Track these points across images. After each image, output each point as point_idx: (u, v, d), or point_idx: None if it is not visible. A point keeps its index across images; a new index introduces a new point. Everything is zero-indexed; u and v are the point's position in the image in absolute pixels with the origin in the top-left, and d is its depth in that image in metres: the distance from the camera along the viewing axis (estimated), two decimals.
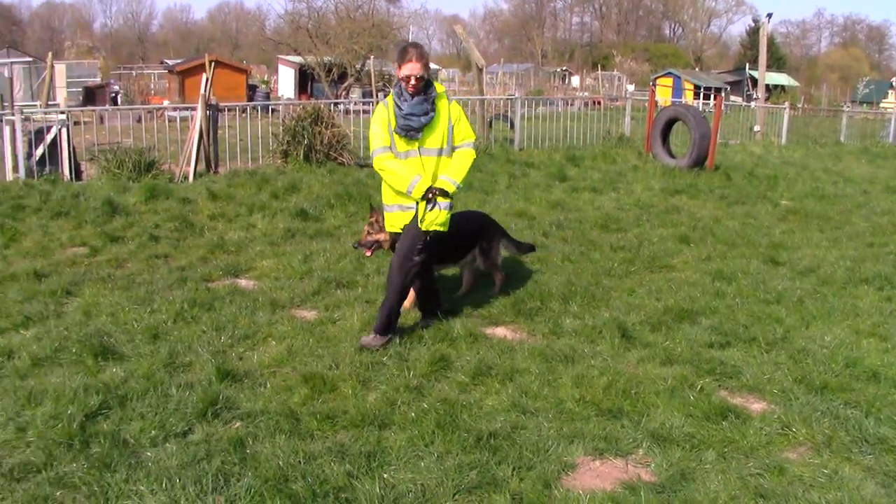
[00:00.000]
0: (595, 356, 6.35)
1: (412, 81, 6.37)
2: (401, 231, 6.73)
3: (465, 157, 6.69)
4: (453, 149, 6.69)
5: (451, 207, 6.67)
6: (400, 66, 6.42)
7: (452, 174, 6.61)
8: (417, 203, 6.54)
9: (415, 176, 6.46)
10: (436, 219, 6.53)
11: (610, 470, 4.79)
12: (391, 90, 6.72)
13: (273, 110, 19.73)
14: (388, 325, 6.63)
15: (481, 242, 7.84)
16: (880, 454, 4.93)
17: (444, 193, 6.53)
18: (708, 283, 8.41)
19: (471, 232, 7.81)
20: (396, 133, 6.49)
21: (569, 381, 5.84)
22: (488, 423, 5.19)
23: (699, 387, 5.78)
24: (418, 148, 6.54)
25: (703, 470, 4.72)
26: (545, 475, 4.59)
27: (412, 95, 6.43)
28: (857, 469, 4.78)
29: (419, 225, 6.54)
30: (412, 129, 6.45)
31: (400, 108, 6.46)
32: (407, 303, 7.22)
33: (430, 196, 6.49)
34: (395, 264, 6.68)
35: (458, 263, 7.92)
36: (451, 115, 6.66)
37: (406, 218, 6.66)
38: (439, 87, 6.69)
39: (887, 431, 5.15)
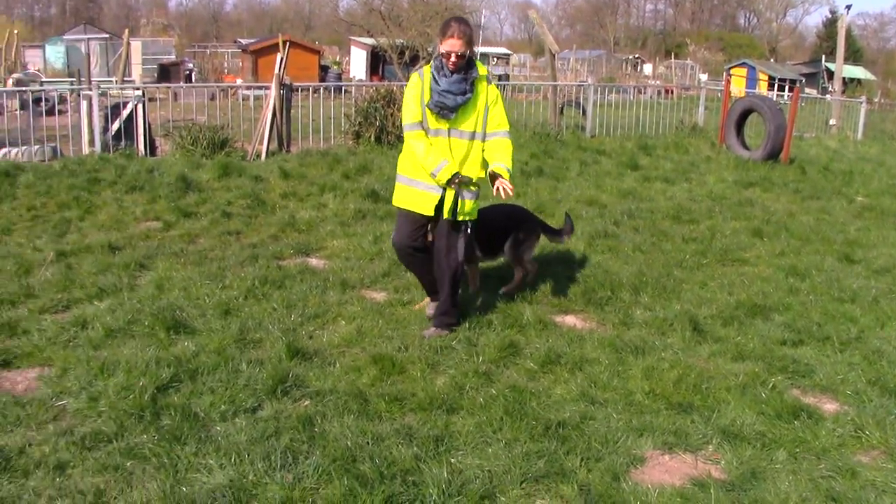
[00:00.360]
0: (665, 349, 6.27)
1: (452, 58, 6.08)
2: (406, 207, 6.47)
3: (508, 146, 6.37)
4: (485, 135, 6.39)
5: (477, 196, 6.48)
6: (441, 41, 6.13)
7: (504, 160, 6.27)
8: (444, 190, 6.29)
9: (441, 160, 6.17)
10: (462, 209, 6.34)
11: (679, 465, 4.72)
12: (426, 66, 6.41)
13: (345, 91, 19.82)
14: (449, 319, 6.58)
15: (516, 234, 7.47)
16: None
17: (469, 181, 6.27)
18: (781, 279, 8.26)
19: (503, 224, 7.48)
20: (428, 108, 6.20)
21: (639, 372, 5.77)
22: (557, 412, 5.15)
23: (771, 384, 5.68)
24: (448, 129, 6.26)
25: (774, 469, 4.63)
26: (614, 467, 4.54)
27: (451, 73, 6.15)
28: None
29: (451, 217, 6.32)
30: (446, 107, 6.15)
31: (437, 83, 6.16)
32: (471, 287, 7.32)
33: (457, 182, 6.20)
34: (441, 264, 6.51)
35: (489, 258, 7.65)
36: (488, 98, 6.33)
37: (420, 198, 6.36)
38: (482, 69, 6.39)
39: None
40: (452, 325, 6.54)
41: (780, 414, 5.25)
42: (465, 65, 6.17)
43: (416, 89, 6.23)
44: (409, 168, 6.42)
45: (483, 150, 6.42)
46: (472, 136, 6.32)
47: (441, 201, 6.32)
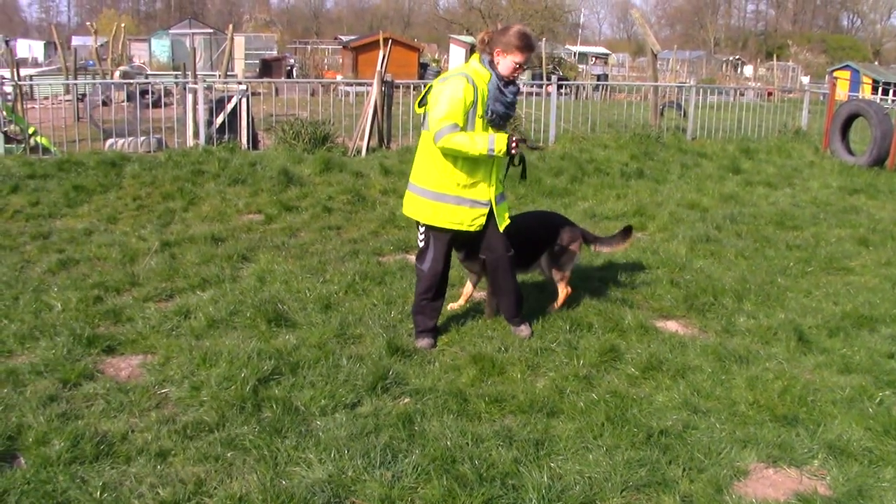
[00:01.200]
0: (770, 358, 6.11)
1: (521, 70, 6.01)
2: (445, 227, 6.10)
3: None
4: None
5: (504, 199, 6.36)
6: (518, 52, 5.88)
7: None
8: (491, 203, 6.09)
9: (488, 135, 5.85)
10: (504, 212, 6.28)
11: (784, 480, 4.61)
12: (470, 69, 6.00)
13: None
14: (521, 310, 6.52)
15: (553, 246, 6.97)
16: None
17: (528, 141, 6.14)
18: (888, 290, 8.00)
19: (538, 234, 7.00)
20: (483, 118, 5.90)
21: (742, 382, 5.65)
22: (659, 419, 5.07)
23: (878, 399, 5.49)
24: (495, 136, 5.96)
25: (881, 488, 4.47)
26: (717, 479, 4.45)
27: (509, 84, 6.01)
28: None
29: (498, 225, 6.19)
30: (509, 118, 6.11)
31: (504, 95, 5.95)
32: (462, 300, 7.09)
33: (516, 143, 5.94)
34: (505, 271, 6.35)
35: (526, 270, 7.17)
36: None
37: (456, 213, 6.06)
38: None
39: None
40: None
41: (887, 430, 5.06)
42: None
43: (469, 96, 5.82)
44: (448, 183, 6.03)
45: None
46: None
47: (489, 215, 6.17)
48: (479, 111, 5.88)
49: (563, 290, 7.00)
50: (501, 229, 6.21)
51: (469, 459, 4.45)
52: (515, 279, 6.46)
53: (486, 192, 6.08)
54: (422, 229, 6.28)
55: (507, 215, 6.30)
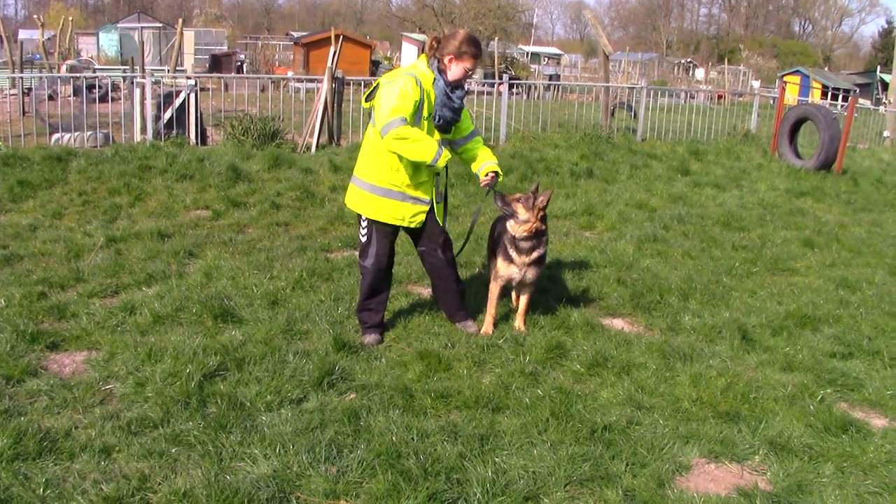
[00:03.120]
0: (713, 356, 6.19)
1: (469, 76, 6.03)
2: (388, 222, 6.11)
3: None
4: (457, 140, 6.41)
5: (443, 199, 6.38)
6: (469, 60, 5.89)
7: (494, 159, 6.34)
8: (433, 201, 6.15)
9: (438, 145, 5.78)
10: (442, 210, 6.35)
11: (725, 475, 4.67)
12: (417, 71, 5.91)
13: None
14: (464, 304, 6.63)
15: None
16: None
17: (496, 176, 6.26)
18: (831, 291, 8.14)
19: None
20: (429, 120, 5.88)
21: (686, 379, 5.71)
22: (603, 415, 5.11)
23: (820, 397, 5.59)
24: (442, 139, 6.10)
25: (821, 483, 4.55)
26: (659, 474, 4.50)
27: (456, 88, 6.02)
28: None
29: (440, 221, 6.28)
30: (455, 122, 6.17)
31: (451, 100, 5.99)
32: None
33: (492, 184, 6.22)
34: (447, 267, 6.41)
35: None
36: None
37: (399, 209, 6.08)
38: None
39: None
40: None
41: (828, 427, 5.17)
42: None
43: (416, 96, 5.75)
44: (391, 178, 6.01)
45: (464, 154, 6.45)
46: (447, 144, 6.25)
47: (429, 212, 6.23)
48: (425, 112, 5.85)
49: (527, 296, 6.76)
50: (441, 223, 6.30)
51: (414, 454, 4.45)
52: (456, 274, 6.51)
53: (428, 191, 6.11)
54: (364, 224, 6.26)
55: (443, 213, 6.39)
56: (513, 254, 6.37)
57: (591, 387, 5.59)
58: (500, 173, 6.29)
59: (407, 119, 5.70)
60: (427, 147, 5.72)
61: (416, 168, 5.97)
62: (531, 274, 6.43)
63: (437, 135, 6.02)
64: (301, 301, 6.87)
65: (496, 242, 6.62)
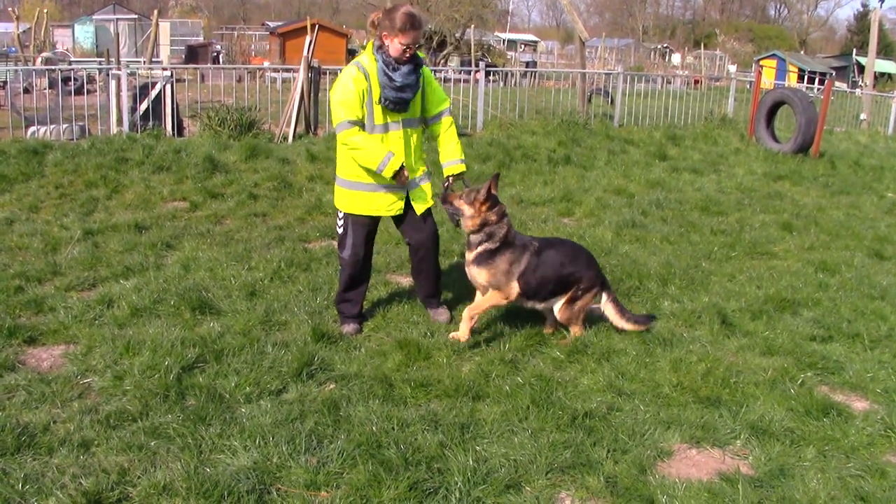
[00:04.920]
0: (693, 341, 6.20)
1: (408, 52, 5.74)
2: (362, 213, 6.11)
3: (453, 130, 6.24)
4: (433, 116, 6.21)
5: (426, 180, 6.30)
6: (400, 35, 5.66)
7: (457, 155, 6.20)
8: (407, 189, 6.11)
9: (386, 152, 5.77)
10: (426, 196, 6.25)
11: (707, 459, 4.68)
12: (365, 56, 5.90)
13: None
14: (439, 291, 6.65)
15: (578, 286, 6.14)
16: None
17: (460, 176, 6.21)
18: (810, 274, 8.17)
19: (572, 268, 6.17)
20: (380, 104, 5.80)
21: (666, 364, 5.71)
22: (583, 402, 5.11)
23: (800, 380, 5.61)
24: (402, 120, 5.95)
25: (802, 467, 4.57)
26: (640, 460, 4.50)
27: (402, 64, 5.78)
28: None
29: (417, 206, 6.20)
30: (404, 101, 5.85)
31: (391, 80, 5.73)
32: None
33: (447, 186, 6.19)
34: (429, 256, 6.36)
35: (545, 303, 6.21)
36: (425, 80, 6.08)
37: (372, 200, 6.07)
38: (420, 53, 6.04)
39: None
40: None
41: (809, 411, 5.19)
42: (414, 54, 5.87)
43: (359, 86, 5.75)
44: (357, 170, 6.00)
45: (431, 134, 6.39)
46: (420, 122, 6.16)
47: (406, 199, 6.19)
48: (375, 97, 5.80)
49: (575, 331, 6.25)
50: (419, 212, 6.21)
51: (394, 444, 4.44)
52: (437, 263, 6.50)
53: (383, 175, 5.90)
54: (340, 215, 6.25)
55: (429, 196, 6.29)
56: (466, 253, 6.11)
57: (571, 374, 5.59)
58: (465, 170, 6.26)
59: (354, 119, 5.78)
60: (371, 155, 5.78)
61: None
62: (476, 271, 6.03)
63: (393, 116, 5.90)
64: (279, 292, 6.84)
65: None
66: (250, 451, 4.35)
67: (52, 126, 13.71)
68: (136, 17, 42.23)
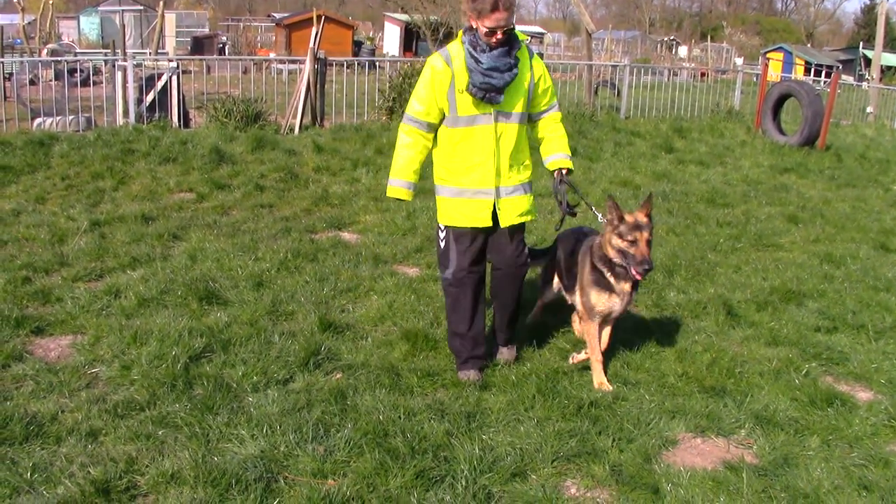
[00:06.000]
0: (699, 332, 6.22)
1: (499, 35, 4.99)
2: (450, 224, 5.34)
3: (561, 126, 5.51)
4: (539, 114, 5.47)
5: (524, 191, 5.40)
6: (485, 16, 4.92)
7: (562, 149, 5.45)
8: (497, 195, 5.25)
9: (408, 176, 5.28)
10: (517, 209, 5.36)
11: (711, 449, 4.70)
12: (454, 43, 5.25)
13: (379, 67, 19.76)
14: (512, 330, 5.74)
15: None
16: None
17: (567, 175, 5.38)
18: (816, 266, 8.19)
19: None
20: (468, 93, 5.06)
21: (671, 355, 5.75)
22: (589, 392, 5.14)
23: (805, 371, 5.64)
24: (494, 113, 5.14)
25: (806, 456, 4.59)
26: (646, 449, 4.53)
27: (492, 48, 5.04)
28: None
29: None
30: (493, 88, 5.03)
31: (478, 62, 5.00)
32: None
33: (560, 181, 5.38)
34: (509, 282, 5.55)
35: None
36: (534, 70, 5.27)
37: (458, 207, 5.29)
38: (521, 36, 5.27)
39: None
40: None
41: (813, 401, 5.21)
42: (508, 37, 5.08)
43: (444, 76, 5.12)
44: (448, 174, 5.32)
45: (535, 132, 5.55)
46: (521, 118, 5.27)
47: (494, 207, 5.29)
48: (460, 86, 5.09)
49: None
50: (504, 225, 5.36)
51: (401, 433, 4.47)
52: (517, 295, 5.62)
53: (486, 179, 5.24)
54: (441, 228, 5.48)
55: (522, 211, 5.38)
56: (613, 281, 5.32)
57: (577, 364, 5.59)
58: (570, 166, 5.49)
59: (417, 116, 5.22)
60: (396, 161, 5.32)
61: (458, 154, 5.27)
62: (633, 298, 5.48)
63: (483, 107, 5.12)
64: (286, 282, 6.86)
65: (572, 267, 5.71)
66: (258, 439, 4.38)
67: (58, 117, 13.72)
68: (141, 8, 42.12)
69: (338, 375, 5.24)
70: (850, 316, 6.80)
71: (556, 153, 5.46)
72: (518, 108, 5.22)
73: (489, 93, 5.05)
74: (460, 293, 5.41)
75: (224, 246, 7.72)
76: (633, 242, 5.15)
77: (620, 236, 5.19)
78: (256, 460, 4.17)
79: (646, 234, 5.21)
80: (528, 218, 5.44)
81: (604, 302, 5.31)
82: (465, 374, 5.34)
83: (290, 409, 4.74)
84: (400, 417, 4.66)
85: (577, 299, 5.58)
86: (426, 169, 5.32)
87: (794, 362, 5.78)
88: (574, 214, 5.43)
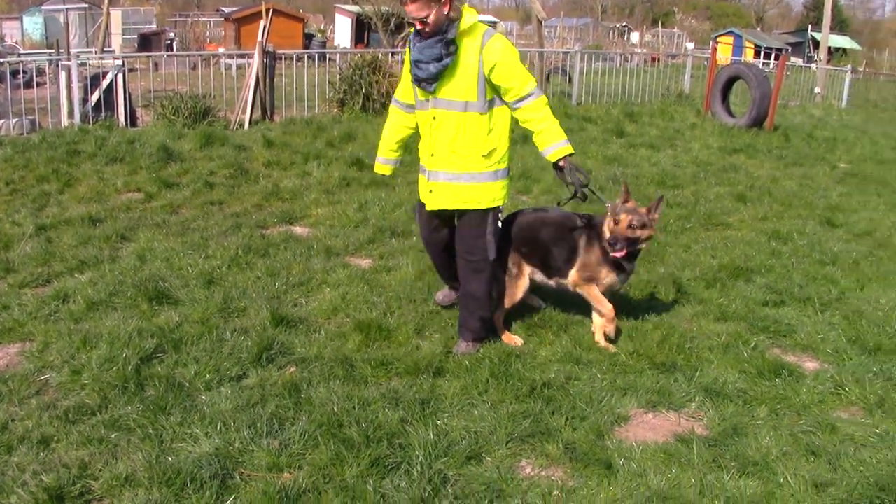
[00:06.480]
0: (650, 310, 6.30)
1: (418, 26, 5.09)
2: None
3: (540, 115, 5.31)
4: (509, 104, 5.32)
5: (507, 175, 5.55)
6: (403, 6, 5.07)
7: (553, 139, 5.34)
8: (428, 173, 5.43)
9: (387, 148, 5.78)
10: (447, 195, 5.44)
11: (663, 423, 4.77)
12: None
13: (329, 59, 19.68)
14: (481, 337, 5.67)
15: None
16: None
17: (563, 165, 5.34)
18: (764, 243, 8.33)
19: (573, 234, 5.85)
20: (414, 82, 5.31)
21: (623, 334, 5.81)
22: (542, 373, 5.18)
23: (753, 344, 5.77)
24: (432, 100, 5.26)
25: (755, 425, 4.71)
26: (598, 426, 4.59)
27: (423, 38, 5.12)
28: None
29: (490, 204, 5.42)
30: (420, 79, 5.18)
31: (417, 52, 5.16)
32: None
33: (562, 167, 5.36)
34: (463, 270, 5.61)
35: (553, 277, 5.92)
36: (483, 60, 5.11)
37: (421, 185, 5.59)
38: (466, 24, 5.13)
39: None
40: (483, 337, 5.67)
41: (761, 372, 5.34)
42: (445, 26, 5.06)
43: (407, 61, 5.37)
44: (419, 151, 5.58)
45: (500, 122, 5.41)
46: (466, 107, 5.21)
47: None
48: (409, 72, 5.37)
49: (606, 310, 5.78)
50: (429, 207, 5.54)
51: (356, 422, 4.47)
52: (472, 289, 5.59)
53: (424, 159, 5.55)
54: None
55: (446, 200, 5.46)
56: (624, 263, 5.64)
57: (530, 346, 5.66)
58: (571, 152, 5.40)
59: (398, 96, 5.71)
60: (380, 143, 5.84)
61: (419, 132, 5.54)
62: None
63: (423, 94, 5.29)
64: (237, 279, 6.82)
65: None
66: (212, 437, 4.35)
67: (1, 121, 13.52)
68: (86, 6, 41.49)
69: (291, 369, 5.22)
70: (796, 290, 6.93)
71: (548, 146, 5.39)
72: (458, 96, 5.20)
73: (418, 82, 5.22)
74: (428, 255, 6.01)
75: (174, 245, 7.64)
76: (617, 223, 5.49)
77: (614, 215, 5.54)
78: (211, 458, 4.14)
79: (629, 218, 5.46)
80: (465, 207, 5.42)
81: (607, 277, 5.68)
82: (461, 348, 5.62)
83: (243, 405, 4.71)
84: (354, 408, 4.66)
85: (572, 278, 5.76)
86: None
87: (742, 336, 5.89)
88: (585, 197, 5.50)
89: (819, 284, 7.10)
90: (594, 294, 5.68)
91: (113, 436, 4.41)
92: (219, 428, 4.43)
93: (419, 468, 4.10)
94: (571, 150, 5.38)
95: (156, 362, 5.26)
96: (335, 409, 4.62)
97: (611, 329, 5.69)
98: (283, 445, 4.30)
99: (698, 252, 7.87)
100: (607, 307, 5.64)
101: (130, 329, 5.62)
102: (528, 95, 5.25)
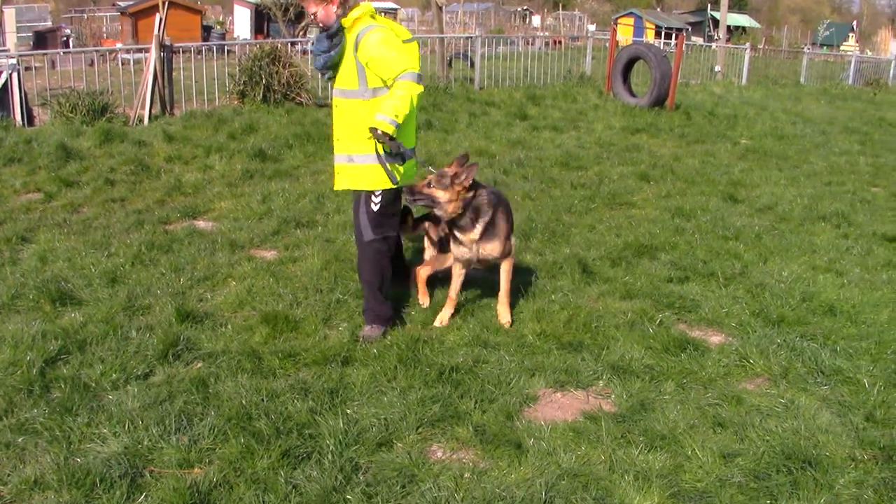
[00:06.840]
0: (555, 291, 6.39)
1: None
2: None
3: (397, 89, 5.34)
4: (374, 93, 5.50)
5: (405, 158, 5.58)
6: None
7: (383, 110, 5.30)
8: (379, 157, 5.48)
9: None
10: (343, 176, 5.73)
11: (571, 401, 4.85)
12: None
13: (229, 51, 19.42)
14: (381, 317, 5.77)
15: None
16: (835, 385, 5.04)
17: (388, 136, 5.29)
18: (667, 220, 8.49)
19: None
20: None
21: (529, 315, 5.89)
22: (450, 357, 5.23)
23: (658, 320, 5.87)
24: (336, 89, 5.68)
25: (662, 400, 4.80)
26: (507, 407, 4.65)
27: (325, 30, 5.52)
28: (813, 399, 4.87)
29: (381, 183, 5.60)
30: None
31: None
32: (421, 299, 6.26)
33: (376, 137, 5.34)
34: (358, 246, 5.84)
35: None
36: (358, 53, 5.42)
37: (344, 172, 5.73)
38: (349, 21, 5.46)
39: (842, 363, 5.27)
40: (386, 317, 5.76)
41: (667, 348, 5.45)
42: (336, 21, 5.44)
43: None
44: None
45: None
46: (357, 94, 5.50)
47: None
48: None
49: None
50: (335, 188, 5.93)
51: (265, 415, 4.47)
52: (376, 270, 5.73)
53: (333, 144, 5.82)
54: None
55: (346, 180, 5.71)
56: (458, 234, 5.75)
57: (437, 331, 5.71)
58: (386, 129, 5.27)
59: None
60: None
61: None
62: (490, 247, 5.76)
63: (332, 83, 5.74)
64: (141, 276, 6.72)
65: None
66: (120, 436, 4.31)
67: None
68: None
69: (198, 365, 5.18)
70: (700, 265, 7.09)
71: (381, 113, 5.31)
72: (346, 85, 5.57)
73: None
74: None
75: (75, 244, 7.49)
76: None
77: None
78: (120, 457, 4.11)
79: (430, 177, 5.67)
80: (351, 187, 5.68)
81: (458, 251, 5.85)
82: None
83: (151, 402, 4.67)
84: (263, 400, 4.66)
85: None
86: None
87: (647, 313, 5.99)
88: (403, 159, 5.57)
89: (722, 259, 7.27)
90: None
91: (20, 440, 4.34)
92: (127, 427, 4.39)
93: (330, 457, 4.12)
94: (392, 131, 5.28)
95: (61, 364, 5.18)
96: (244, 402, 4.61)
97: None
98: (192, 441, 4.28)
99: (603, 231, 7.99)
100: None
101: (34, 331, 5.52)
102: (401, 75, 5.37)
